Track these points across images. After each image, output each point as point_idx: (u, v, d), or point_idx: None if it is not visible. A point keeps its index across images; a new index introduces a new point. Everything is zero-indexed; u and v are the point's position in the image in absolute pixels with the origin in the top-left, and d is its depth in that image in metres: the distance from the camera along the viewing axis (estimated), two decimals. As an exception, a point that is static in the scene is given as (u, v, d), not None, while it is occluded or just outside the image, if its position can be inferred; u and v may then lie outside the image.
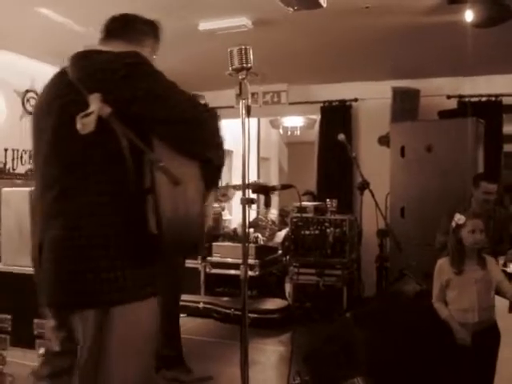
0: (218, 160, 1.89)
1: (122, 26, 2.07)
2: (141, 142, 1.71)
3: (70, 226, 1.74)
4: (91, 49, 1.94)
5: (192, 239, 1.83)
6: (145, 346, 1.85)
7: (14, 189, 4.66)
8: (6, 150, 5.93)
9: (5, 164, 5.88)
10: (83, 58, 1.86)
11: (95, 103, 1.70)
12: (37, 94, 6.31)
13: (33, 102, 6.27)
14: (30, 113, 6.24)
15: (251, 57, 2.45)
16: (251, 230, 6.90)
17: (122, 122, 1.71)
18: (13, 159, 6.01)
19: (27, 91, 6.22)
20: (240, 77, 2.46)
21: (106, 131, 1.70)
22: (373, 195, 4.72)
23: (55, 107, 1.83)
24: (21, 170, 6.08)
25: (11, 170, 5.93)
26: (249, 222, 7.67)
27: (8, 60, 5.89)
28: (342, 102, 7.18)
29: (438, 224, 4.56)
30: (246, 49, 2.43)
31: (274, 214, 7.51)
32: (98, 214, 1.73)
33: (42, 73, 6.33)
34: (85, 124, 1.68)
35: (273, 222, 7.51)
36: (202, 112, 1.84)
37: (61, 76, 1.89)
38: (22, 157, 6.12)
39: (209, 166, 1.85)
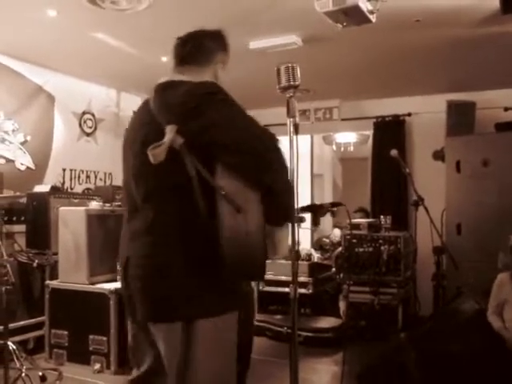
0: (278, 186, 1.89)
1: (192, 51, 2.14)
2: (207, 172, 1.79)
3: (152, 246, 1.91)
4: (170, 79, 2.03)
5: (253, 265, 1.84)
6: (226, 359, 1.94)
7: (70, 208, 4.79)
8: (63, 170, 6.11)
9: (63, 183, 6.06)
10: (164, 90, 1.97)
11: (169, 134, 1.80)
12: (93, 115, 6.50)
13: (89, 123, 6.46)
14: (87, 134, 6.43)
15: (298, 74, 2.42)
16: (312, 250, 6.85)
17: (192, 152, 1.81)
18: (70, 179, 6.20)
19: (84, 113, 6.41)
20: (287, 95, 2.44)
21: (178, 161, 1.81)
22: (427, 212, 4.63)
23: (140, 135, 1.98)
24: (78, 189, 6.27)
25: (69, 190, 6.11)
26: (313, 243, 7.52)
27: (65, 83, 6.09)
28: (396, 117, 7.08)
29: (500, 242, 4.40)
30: (292, 67, 2.41)
31: (337, 236, 7.37)
32: (173, 236, 1.88)
33: (97, 95, 6.54)
34: (154, 155, 1.79)
35: (333, 244, 7.34)
36: (268, 142, 1.87)
37: (145, 106, 2.02)
38: (79, 176, 6.31)
39: (272, 192, 1.87)
